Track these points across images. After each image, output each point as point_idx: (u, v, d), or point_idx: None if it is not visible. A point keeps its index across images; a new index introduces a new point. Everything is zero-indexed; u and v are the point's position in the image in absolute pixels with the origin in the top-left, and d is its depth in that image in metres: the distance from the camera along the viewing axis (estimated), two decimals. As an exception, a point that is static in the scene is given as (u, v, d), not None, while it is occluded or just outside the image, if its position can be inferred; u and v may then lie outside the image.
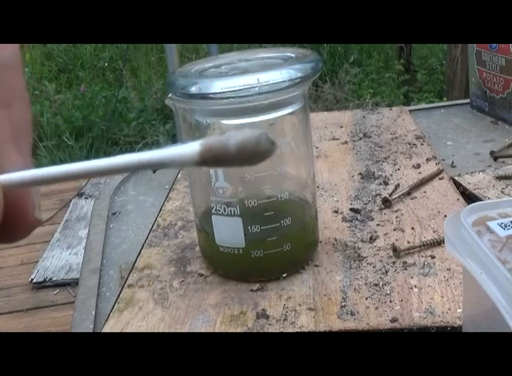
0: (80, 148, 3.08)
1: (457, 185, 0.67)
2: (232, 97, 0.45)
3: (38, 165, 0.19)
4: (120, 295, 0.52)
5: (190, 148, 0.21)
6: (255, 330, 0.46)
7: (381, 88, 3.11)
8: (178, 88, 0.47)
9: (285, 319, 0.47)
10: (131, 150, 2.96)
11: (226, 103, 0.46)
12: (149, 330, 0.47)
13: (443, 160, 0.76)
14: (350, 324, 0.45)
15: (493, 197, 0.63)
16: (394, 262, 0.53)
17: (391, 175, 0.71)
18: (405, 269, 0.52)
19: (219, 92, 0.45)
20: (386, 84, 3.16)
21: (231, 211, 0.49)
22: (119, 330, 0.47)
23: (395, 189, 0.66)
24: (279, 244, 0.50)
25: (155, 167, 0.22)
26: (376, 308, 0.47)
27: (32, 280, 1.90)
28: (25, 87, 0.22)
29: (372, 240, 0.57)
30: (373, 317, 0.46)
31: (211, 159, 0.21)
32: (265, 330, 0.46)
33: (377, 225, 0.60)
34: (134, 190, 0.80)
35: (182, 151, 0.21)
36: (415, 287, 0.49)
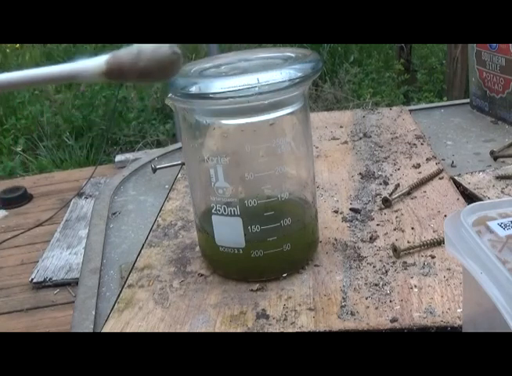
0: (80, 148, 3.08)
1: (457, 185, 0.67)
2: (232, 97, 0.45)
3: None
4: (120, 295, 0.52)
5: (98, 60, 0.21)
6: (255, 330, 0.46)
7: (381, 88, 3.11)
8: (178, 88, 0.47)
9: (285, 319, 0.47)
10: (131, 149, 2.96)
11: (226, 103, 0.46)
12: (149, 330, 0.47)
13: (443, 160, 0.76)
14: (350, 324, 0.45)
15: (493, 197, 0.63)
16: (394, 262, 0.53)
17: (391, 174, 0.71)
18: (405, 269, 0.52)
19: (219, 92, 0.45)
20: (386, 83, 3.16)
21: (231, 211, 0.49)
22: (119, 330, 0.47)
23: (395, 189, 0.66)
24: (279, 244, 0.50)
25: (65, 80, 0.22)
26: (376, 308, 0.47)
27: (32, 280, 1.90)
28: None
29: (372, 240, 0.57)
30: (373, 317, 0.46)
31: (117, 71, 0.21)
32: (265, 330, 0.46)
33: (377, 225, 0.60)
34: (134, 190, 0.80)
35: (89, 63, 0.21)
36: (415, 287, 0.49)
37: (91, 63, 0.21)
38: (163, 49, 0.21)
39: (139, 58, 0.21)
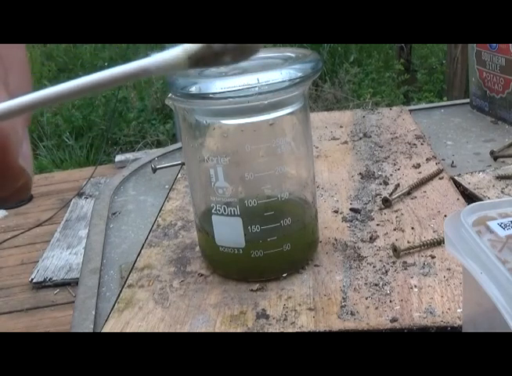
0: (80, 148, 3.09)
1: (457, 185, 0.67)
2: (232, 97, 0.45)
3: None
4: (120, 295, 0.52)
5: (174, 51, 0.21)
6: (255, 330, 0.46)
7: (381, 88, 3.11)
8: (178, 88, 0.47)
9: (285, 319, 0.47)
10: (131, 149, 2.96)
11: (226, 103, 0.46)
12: (149, 330, 0.47)
13: (443, 160, 0.76)
14: (350, 324, 0.45)
15: (493, 197, 0.63)
16: (394, 262, 0.53)
17: (391, 174, 0.71)
18: (405, 269, 0.52)
19: (219, 92, 0.45)
20: (386, 83, 3.16)
21: (231, 211, 0.49)
22: (119, 330, 0.47)
23: (395, 189, 0.66)
24: (279, 244, 0.50)
25: (143, 75, 0.21)
26: (376, 308, 0.47)
27: (32, 280, 1.90)
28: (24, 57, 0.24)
29: (372, 240, 0.57)
30: (373, 317, 0.46)
31: (206, 54, 0.21)
32: (265, 330, 0.46)
33: (377, 225, 0.60)
34: (134, 190, 0.80)
35: (169, 54, 0.21)
36: (415, 287, 0.49)
37: (168, 54, 0.21)
38: None
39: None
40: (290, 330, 0.45)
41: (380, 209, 0.63)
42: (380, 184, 0.68)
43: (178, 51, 0.21)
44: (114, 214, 0.73)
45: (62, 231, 2.20)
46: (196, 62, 0.21)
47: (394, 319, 0.45)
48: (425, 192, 0.65)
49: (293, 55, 0.50)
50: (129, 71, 0.20)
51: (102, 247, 0.65)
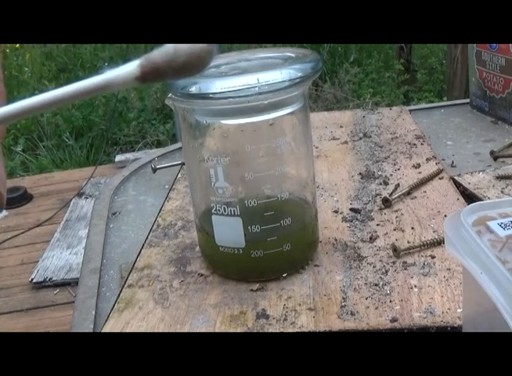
0: (80, 148, 3.09)
1: (457, 185, 0.67)
2: (232, 97, 0.45)
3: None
4: (120, 295, 0.52)
5: (129, 66, 0.21)
6: (255, 330, 0.46)
7: (381, 88, 3.11)
8: (178, 88, 0.47)
9: (285, 319, 0.47)
10: (131, 149, 2.96)
11: (226, 103, 0.46)
12: (149, 330, 0.47)
13: (443, 160, 0.76)
14: (350, 324, 0.45)
15: (493, 197, 0.63)
16: (394, 262, 0.53)
17: (391, 175, 0.71)
18: (405, 269, 0.52)
19: (219, 92, 0.45)
20: (386, 83, 3.16)
21: (231, 211, 0.49)
22: (119, 330, 0.47)
23: (395, 189, 0.66)
24: (279, 244, 0.50)
25: (98, 92, 0.22)
26: (376, 308, 0.47)
27: (32, 280, 1.90)
28: None
29: (372, 240, 0.57)
30: (373, 317, 0.46)
31: (152, 73, 0.21)
32: (265, 330, 0.46)
33: (377, 225, 0.60)
34: (134, 190, 0.80)
35: (120, 71, 0.21)
36: (415, 287, 0.49)
37: (123, 70, 0.21)
38: (199, 44, 0.21)
39: (177, 55, 0.21)
40: (290, 330, 0.45)
41: (380, 209, 0.63)
42: (380, 184, 0.68)
43: (132, 64, 0.21)
44: (114, 214, 0.73)
45: (62, 231, 2.20)
46: (144, 80, 0.21)
47: (394, 319, 0.45)
48: (425, 192, 0.65)
49: (293, 55, 0.50)
50: (88, 88, 0.21)
51: (102, 247, 0.65)
